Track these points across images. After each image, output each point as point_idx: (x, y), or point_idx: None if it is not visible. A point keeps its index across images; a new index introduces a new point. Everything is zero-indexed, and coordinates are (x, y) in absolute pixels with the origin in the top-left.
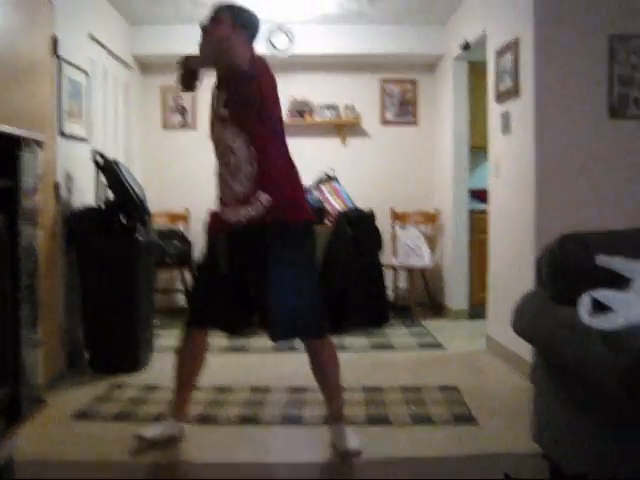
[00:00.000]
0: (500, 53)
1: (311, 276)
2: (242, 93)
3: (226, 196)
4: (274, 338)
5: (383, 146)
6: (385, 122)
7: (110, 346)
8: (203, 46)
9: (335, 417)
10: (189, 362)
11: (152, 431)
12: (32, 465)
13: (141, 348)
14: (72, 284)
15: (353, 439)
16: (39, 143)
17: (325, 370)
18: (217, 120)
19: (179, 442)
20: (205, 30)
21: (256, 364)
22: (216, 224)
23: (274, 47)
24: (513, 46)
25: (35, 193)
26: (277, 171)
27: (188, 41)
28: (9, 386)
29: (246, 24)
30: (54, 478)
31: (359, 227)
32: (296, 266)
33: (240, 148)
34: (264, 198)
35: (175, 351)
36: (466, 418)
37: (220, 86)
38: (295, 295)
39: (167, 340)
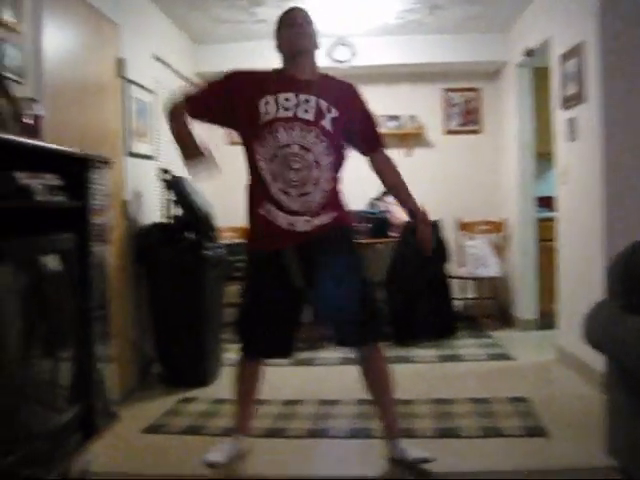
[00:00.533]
0: (564, 58)
1: (368, 278)
2: (356, 117)
3: (292, 206)
4: (348, 343)
5: (447, 155)
6: (449, 131)
7: (180, 360)
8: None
9: (395, 431)
10: (249, 386)
11: (219, 454)
12: (106, 478)
13: (210, 362)
14: (142, 300)
15: (419, 451)
16: (107, 163)
17: (384, 378)
18: (292, 121)
19: (245, 456)
20: (301, 25)
21: (323, 377)
22: (274, 239)
23: (336, 60)
24: (578, 51)
25: (105, 212)
26: (337, 187)
27: (249, 57)
28: (84, 401)
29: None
30: None
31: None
32: (360, 267)
33: (326, 167)
34: (332, 214)
35: (235, 379)
36: (537, 431)
37: (313, 91)
38: (365, 297)
39: (236, 353)
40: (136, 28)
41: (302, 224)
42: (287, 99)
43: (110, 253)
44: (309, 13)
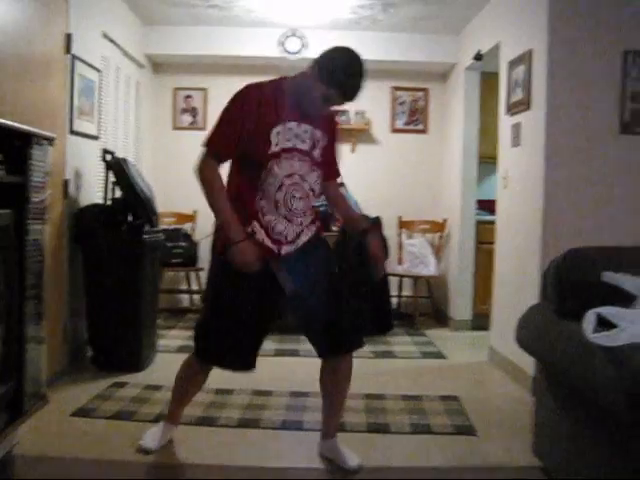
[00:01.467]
0: (513, 64)
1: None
2: (335, 139)
3: (288, 234)
4: (333, 352)
5: (392, 154)
6: (395, 130)
7: (113, 344)
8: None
9: (333, 432)
10: (191, 387)
11: (152, 440)
12: (31, 460)
13: (144, 347)
14: (77, 281)
15: (353, 456)
16: (50, 140)
17: (345, 385)
18: (296, 155)
19: (171, 444)
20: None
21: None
22: (259, 254)
23: (287, 51)
24: (526, 58)
25: (44, 190)
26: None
27: (200, 42)
28: (12, 381)
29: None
30: (52, 473)
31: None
32: (337, 275)
33: (317, 192)
34: (313, 227)
35: (178, 376)
36: (466, 429)
37: (312, 122)
38: (347, 303)
39: (170, 340)
40: (85, 4)
41: (288, 247)
42: (290, 128)
43: (48, 232)
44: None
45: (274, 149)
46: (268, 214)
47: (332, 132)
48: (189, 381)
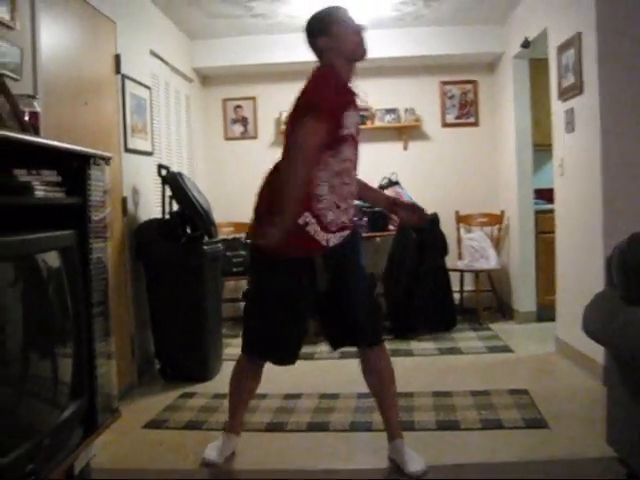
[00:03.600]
0: (562, 49)
1: (371, 280)
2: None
3: (335, 221)
4: (346, 344)
5: (445, 148)
6: (446, 124)
7: (180, 356)
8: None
9: (396, 433)
10: (245, 388)
11: (215, 453)
12: (108, 473)
13: (210, 357)
14: (141, 295)
15: (417, 460)
16: (106, 159)
17: (386, 377)
18: (352, 141)
19: (235, 455)
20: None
21: (323, 370)
22: (310, 247)
23: None
24: (575, 41)
25: (104, 208)
26: None
27: (246, 52)
28: (85, 397)
29: None
30: None
31: (423, 231)
32: (364, 270)
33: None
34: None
35: (232, 379)
36: (537, 422)
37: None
38: (371, 297)
39: (236, 348)
40: (132, 25)
41: (336, 239)
42: (352, 115)
43: (110, 250)
44: None
45: (344, 132)
46: (324, 201)
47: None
48: (242, 381)
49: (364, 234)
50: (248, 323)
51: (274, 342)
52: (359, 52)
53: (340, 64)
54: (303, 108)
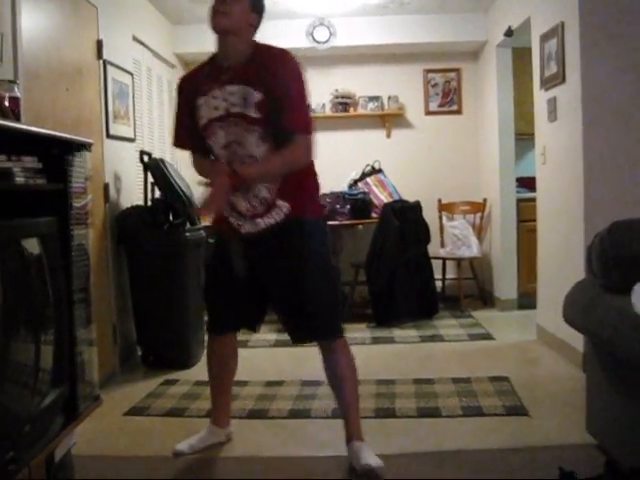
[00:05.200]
0: (545, 38)
1: (329, 273)
2: (278, 92)
3: (240, 207)
4: (297, 340)
5: (428, 136)
6: (429, 112)
7: (161, 343)
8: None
9: (354, 435)
10: (221, 367)
11: (189, 444)
12: (89, 460)
13: (192, 344)
14: (123, 282)
15: (372, 456)
16: (87, 145)
17: (344, 375)
18: (225, 118)
19: (220, 447)
20: (222, 2)
21: (304, 357)
22: (228, 229)
23: (316, 41)
24: (558, 30)
25: (85, 194)
26: (298, 175)
27: None
28: (66, 384)
29: (260, 9)
30: (110, 472)
31: (406, 218)
32: (314, 264)
33: (261, 154)
34: (285, 207)
35: (207, 358)
36: (518, 409)
37: (236, 78)
38: (315, 294)
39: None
40: (114, 10)
41: (248, 226)
42: (215, 97)
43: (91, 236)
44: None
45: (202, 123)
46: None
47: (276, 77)
48: (215, 358)
49: (345, 222)
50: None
51: (216, 309)
52: (211, 22)
53: (217, 41)
54: None
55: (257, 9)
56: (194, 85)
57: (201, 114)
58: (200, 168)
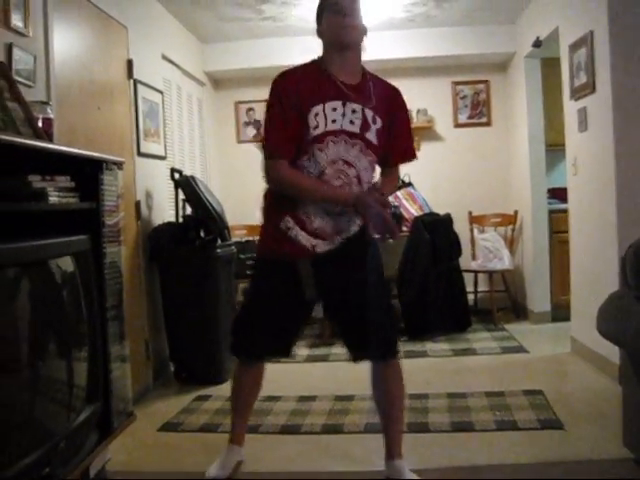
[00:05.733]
0: (574, 48)
1: (388, 287)
2: (397, 125)
3: (325, 229)
4: (361, 357)
5: (458, 149)
6: (458, 124)
7: (194, 358)
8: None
9: (395, 453)
10: (249, 396)
11: (222, 466)
12: (123, 476)
13: (224, 359)
14: (155, 299)
15: (412, 475)
16: (119, 164)
17: (397, 394)
18: (339, 134)
19: (240, 467)
20: (351, 14)
21: (337, 372)
22: (294, 251)
23: None
24: (587, 40)
25: (117, 212)
26: None
27: (257, 55)
28: (100, 401)
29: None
30: None
31: (436, 232)
32: (379, 276)
33: (368, 179)
34: (358, 219)
35: (232, 380)
36: (553, 423)
37: (360, 99)
38: (382, 307)
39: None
40: (144, 30)
41: (324, 245)
42: (334, 109)
43: (124, 254)
44: None
45: (314, 132)
46: (307, 206)
47: (394, 111)
48: (236, 385)
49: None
50: (234, 321)
51: (254, 337)
52: (336, 39)
53: (329, 54)
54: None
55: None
56: (303, 91)
57: (317, 123)
58: (293, 181)
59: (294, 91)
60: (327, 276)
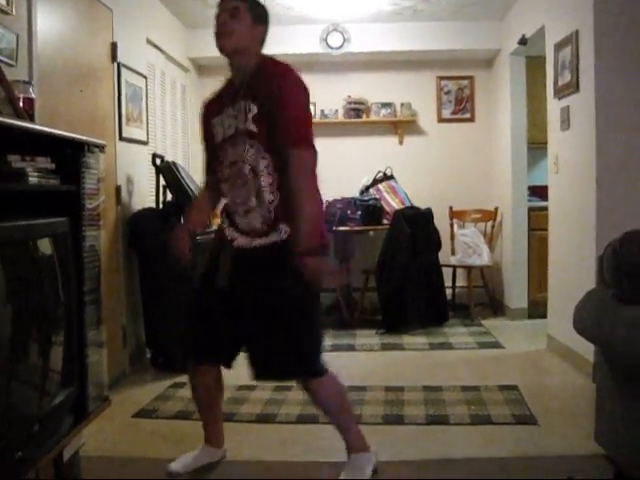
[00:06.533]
0: (559, 47)
1: (314, 305)
2: (272, 105)
3: (240, 225)
4: (257, 377)
5: (440, 144)
6: (442, 119)
7: (171, 345)
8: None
9: (352, 447)
10: (206, 401)
11: (184, 464)
12: (97, 461)
13: None
14: (133, 285)
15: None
16: (101, 147)
17: (327, 409)
18: (235, 136)
19: (214, 467)
20: (223, 24)
21: (353, 363)
22: (223, 237)
23: (329, 46)
24: (572, 39)
25: (98, 196)
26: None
27: None
28: (76, 385)
29: (265, 19)
30: (117, 473)
31: (417, 225)
32: (299, 297)
33: (264, 172)
34: (285, 231)
35: (190, 388)
36: (526, 418)
37: (241, 94)
38: (295, 328)
39: None
40: (129, 13)
41: (242, 240)
42: (229, 115)
43: (103, 238)
44: None
45: (216, 141)
46: (226, 205)
47: (271, 90)
48: (198, 388)
49: (356, 227)
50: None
51: (197, 334)
52: (216, 45)
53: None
54: None
55: (261, 19)
56: (211, 107)
57: (216, 132)
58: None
59: (205, 113)
60: (241, 278)
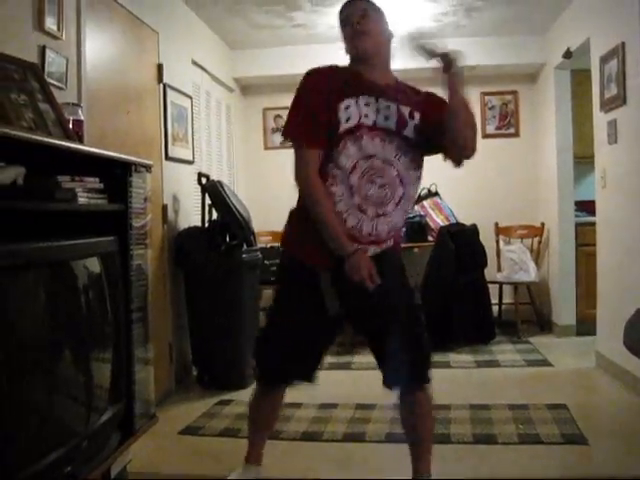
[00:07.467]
0: (605, 59)
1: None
2: (433, 119)
3: (361, 229)
4: (397, 382)
5: (485, 159)
6: (486, 135)
7: (217, 363)
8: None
9: (424, 469)
10: (264, 417)
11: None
12: (144, 477)
13: (247, 364)
14: (180, 303)
15: None
16: (148, 167)
17: (421, 428)
18: (377, 132)
19: None
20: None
21: (360, 381)
22: (320, 260)
23: None
24: (619, 51)
25: (144, 215)
26: None
27: (286, 62)
28: (123, 402)
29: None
30: None
31: (462, 242)
32: (413, 298)
33: (410, 182)
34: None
35: (250, 402)
36: (576, 438)
37: (392, 93)
38: (417, 333)
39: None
40: (174, 34)
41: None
42: (367, 104)
43: (150, 257)
44: (375, 4)
45: (346, 125)
46: (342, 203)
47: (431, 106)
48: (263, 410)
49: (402, 244)
50: (258, 343)
51: (276, 360)
52: (352, 46)
53: (353, 66)
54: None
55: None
56: (334, 84)
57: (349, 116)
58: (316, 190)
59: (325, 83)
60: (355, 290)
